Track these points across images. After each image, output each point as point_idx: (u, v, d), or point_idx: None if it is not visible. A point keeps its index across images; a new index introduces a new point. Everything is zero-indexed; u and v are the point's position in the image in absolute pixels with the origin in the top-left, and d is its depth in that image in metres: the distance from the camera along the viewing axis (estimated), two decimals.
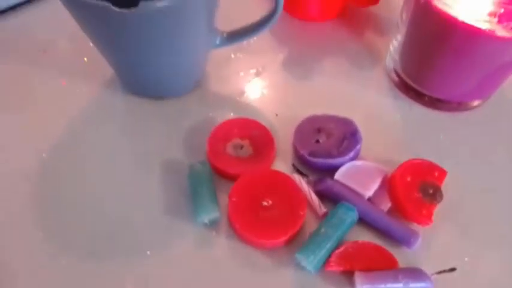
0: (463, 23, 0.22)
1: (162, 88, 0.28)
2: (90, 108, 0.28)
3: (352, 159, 0.24)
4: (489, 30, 0.22)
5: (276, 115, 0.28)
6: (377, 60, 0.31)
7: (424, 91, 0.28)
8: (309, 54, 0.31)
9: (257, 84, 0.30)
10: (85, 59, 0.30)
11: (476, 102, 0.28)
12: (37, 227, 0.23)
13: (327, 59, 0.31)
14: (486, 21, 0.22)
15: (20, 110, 0.28)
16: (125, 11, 0.20)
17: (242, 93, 0.29)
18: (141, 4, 0.20)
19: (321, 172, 0.24)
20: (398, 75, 0.29)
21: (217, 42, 0.27)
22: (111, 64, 0.27)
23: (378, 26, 0.33)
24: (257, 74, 0.30)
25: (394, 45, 0.29)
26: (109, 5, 0.20)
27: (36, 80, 0.29)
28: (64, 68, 0.30)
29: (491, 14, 0.21)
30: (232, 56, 0.31)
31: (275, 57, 0.31)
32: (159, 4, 0.20)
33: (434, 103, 0.28)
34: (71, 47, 0.31)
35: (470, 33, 0.22)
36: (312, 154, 0.24)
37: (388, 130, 0.27)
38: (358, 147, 0.24)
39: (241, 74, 0.30)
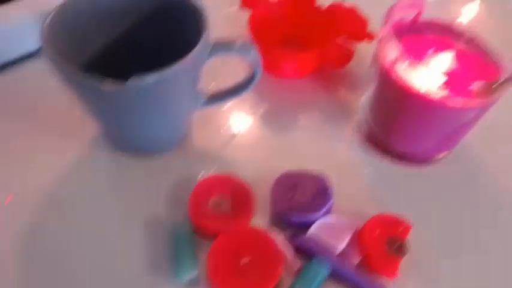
0: (418, 92, 0.25)
1: (147, 147, 0.30)
2: (76, 166, 0.30)
3: (325, 214, 0.26)
4: (441, 99, 0.24)
5: (255, 170, 0.30)
6: (349, 115, 0.33)
7: (392, 146, 0.30)
8: (286, 110, 0.33)
9: (238, 140, 0.32)
10: (72, 116, 0.32)
11: (441, 155, 0.30)
12: (19, 283, 0.24)
13: (303, 115, 0.33)
14: (438, 92, 0.24)
15: (7, 165, 0.29)
16: (112, 87, 0.22)
17: (223, 148, 0.31)
18: (131, 80, 0.22)
19: (296, 227, 0.26)
20: (368, 131, 0.31)
21: (201, 104, 0.29)
22: (98, 125, 0.29)
23: (350, 81, 0.35)
24: (237, 130, 0.32)
25: (363, 101, 0.31)
26: (99, 81, 0.22)
27: (23, 136, 0.31)
28: (51, 125, 0.31)
29: (443, 87, 0.24)
30: (214, 112, 0.33)
31: (254, 113, 0.33)
32: (148, 79, 0.22)
33: (402, 157, 0.30)
34: (58, 105, 0.32)
35: (425, 101, 0.25)
36: (288, 210, 0.26)
37: (359, 183, 0.29)
38: (330, 202, 0.26)
39: (222, 129, 0.32)
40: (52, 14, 0.24)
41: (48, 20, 0.24)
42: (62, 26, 0.25)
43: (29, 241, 0.26)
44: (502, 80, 0.23)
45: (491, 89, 0.24)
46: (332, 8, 0.36)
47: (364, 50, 0.35)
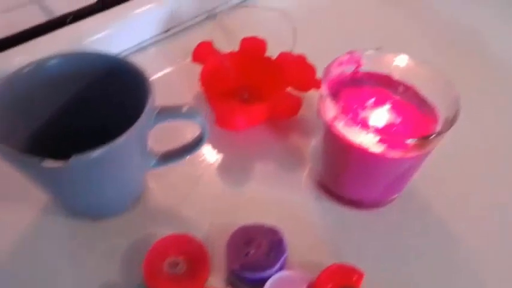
0: (358, 146, 0.26)
1: (100, 211, 0.30)
2: (27, 232, 0.29)
3: (280, 269, 0.27)
4: (380, 152, 0.26)
5: (211, 224, 0.30)
6: (302, 163, 0.34)
7: (341, 193, 0.31)
8: (240, 162, 0.34)
9: (193, 196, 0.32)
10: (23, 182, 0.31)
11: (391, 198, 0.31)
12: None
13: (257, 165, 0.34)
14: (377, 145, 0.25)
15: None
16: (55, 165, 0.22)
17: (178, 205, 0.31)
18: (73, 157, 0.22)
19: (251, 284, 0.26)
20: (319, 178, 0.32)
21: (152, 164, 0.29)
22: (47, 193, 0.29)
23: (302, 129, 0.36)
24: (192, 186, 0.32)
25: (312, 149, 0.32)
26: (39, 160, 0.22)
27: None
28: (1, 190, 0.31)
29: (381, 139, 0.25)
30: (168, 169, 0.33)
31: (209, 167, 0.34)
32: (92, 155, 0.22)
33: (353, 204, 0.31)
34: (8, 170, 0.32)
35: (365, 155, 0.26)
36: (243, 267, 0.26)
37: (313, 232, 0.30)
38: (283, 257, 0.27)
39: (177, 187, 0.32)
40: None
41: None
42: (3, 105, 0.25)
43: None
44: (434, 134, 0.25)
45: (425, 142, 0.25)
46: (281, 58, 0.38)
47: (314, 96, 0.37)
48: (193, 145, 0.29)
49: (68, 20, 0.38)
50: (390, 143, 0.25)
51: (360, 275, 0.26)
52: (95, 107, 0.29)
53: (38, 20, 0.38)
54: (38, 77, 0.27)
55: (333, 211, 0.31)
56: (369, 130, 0.25)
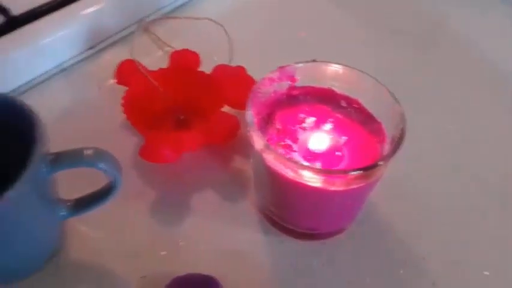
0: (294, 180, 0.22)
1: (9, 273, 0.25)
2: None
3: None
4: (320, 186, 0.22)
5: (143, 277, 0.26)
6: (245, 191, 0.30)
7: (288, 226, 0.27)
8: (174, 197, 0.30)
9: (120, 244, 0.28)
10: None
11: (345, 226, 0.28)
12: None
13: (196, 198, 0.30)
14: (317, 180, 0.22)
15: None
16: None
17: (102, 256, 0.27)
18: None
19: None
20: (263, 210, 0.28)
21: (63, 214, 0.25)
22: None
23: (243, 151, 0.32)
24: (119, 232, 0.28)
25: (253, 178, 0.29)
26: None
27: None
28: None
29: (322, 170, 0.21)
30: (91, 214, 0.29)
31: (138, 207, 0.29)
32: None
33: (303, 235, 0.27)
34: None
35: (303, 189, 0.22)
36: None
37: (260, 269, 0.26)
38: None
39: (101, 234, 0.28)
40: None
41: None
42: None
43: None
44: (378, 163, 0.21)
45: (370, 173, 0.22)
46: (217, 72, 0.34)
47: None
48: (103, 193, 0.24)
49: None
50: (330, 177, 0.22)
51: None
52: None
53: None
54: None
55: (282, 245, 0.27)
56: (302, 167, 0.21)
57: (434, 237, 0.28)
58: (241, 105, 0.32)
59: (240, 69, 0.34)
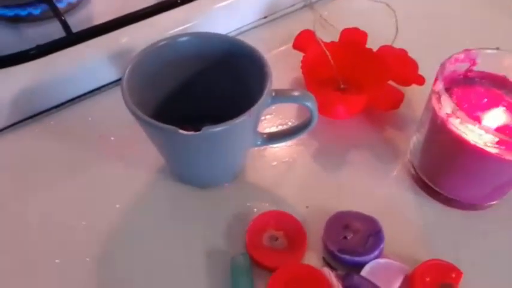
0: (474, 145, 0.26)
1: (208, 180, 0.32)
2: (141, 194, 0.32)
3: (377, 257, 0.27)
4: (496, 153, 0.25)
5: (307, 207, 0.31)
6: (398, 156, 0.34)
7: (440, 190, 0.31)
8: (336, 149, 0.35)
9: (289, 176, 0.33)
10: (138, 146, 0.34)
11: (490, 203, 0.31)
12: None
13: (353, 154, 0.35)
14: (495, 147, 0.25)
15: (77, 192, 0.32)
16: (190, 134, 0.24)
17: (276, 183, 0.33)
18: (204, 129, 0.24)
19: (347, 267, 0.27)
20: (416, 172, 0.32)
21: (259, 142, 0.31)
22: (164, 158, 0.31)
23: (399, 123, 0.36)
24: (289, 166, 0.34)
25: (413, 144, 0.32)
26: (177, 129, 0.24)
27: (93, 164, 0.33)
28: (119, 153, 0.34)
29: (500, 143, 0.25)
30: (268, 150, 0.35)
31: (305, 151, 0.35)
32: (219, 128, 0.24)
33: (450, 202, 0.31)
34: (126, 135, 0.35)
35: (480, 155, 0.26)
36: (340, 250, 0.27)
37: (408, 226, 0.30)
38: (381, 245, 0.27)
39: (275, 167, 0.34)
40: (129, 67, 0.27)
41: (126, 73, 0.27)
42: (137, 76, 0.27)
43: (96, 266, 0.28)
44: None
45: None
46: (382, 51, 0.38)
47: (413, 92, 0.37)
48: (301, 128, 0.30)
49: (179, 1, 0.41)
50: (508, 145, 0.25)
51: (459, 273, 0.26)
52: (215, 81, 0.31)
53: (148, 2, 0.41)
54: (168, 52, 0.29)
55: (429, 207, 0.31)
56: (489, 130, 0.25)
57: None
58: (403, 82, 0.36)
59: (403, 51, 0.38)
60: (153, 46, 0.29)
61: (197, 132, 0.24)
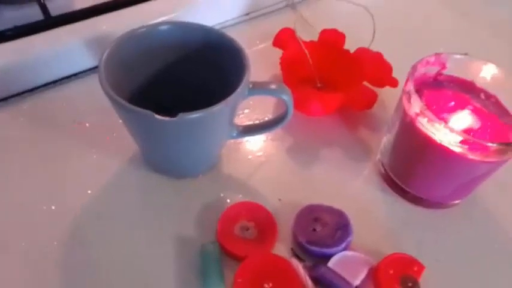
0: (440, 144, 0.27)
1: (182, 170, 0.32)
2: (113, 181, 0.32)
3: (344, 249, 0.28)
4: (460, 153, 0.26)
5: (279, 200, 0.32)
6: (368, 154, 0.35)
7: (407, 189, 0.32)
8: (310, 145, 0.36)
9: (263, 170, 0.34)
10: (113, 134, 0.34)
11: (455, 202, 0.32)
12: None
13: (326, 151, 0.35)
14: (459, 146, 0.26)
15: (47, 175, 0.32)
16: (166, 119, 0.24)
17: (250, 176, 0.33)
18: (180, 115, 0.24)
19: (315, 258, 0.28)
20: (385, 171, 0.33)
21: (234, 134, 0.32)
22: (139, 146, 0.31)
23: (371, 123, 0.37)
24: (264, 160, 0.34)
25: (383, 144, 0.34)
26: (152, 113, 0.24)
27: (67, 150, 0.33)
28: (93, 140, 0.34)
29: (463, 142, 0.26)
30: (243, 143, 0.35)
31: (280, 146, 0.35)
32: (195, 115, 0.25)
33: (417, 200, 0.32)
34: (101, 121, 0.35)
35: (445, 153, 0.27)
36: (309, 242, 0.28)
37: (376, 222, 0.31)
38: (349, 238, 0.28)
39: (249, 160, 0.34)
40: (107, 50, 0.27)
41: (104, 56, 0.27)
42: (115, 61, 0.27)
43: (64, 250, 0.28)
44: None
45: (508, 149, 0.26)
46: (359, 53, 0.39)
47: (386, 94, 0.38)
48: (276, 121, 0.31)
49: None
50: (472, 145, 0.26)
51: (421, 267, 0.27)
52: (193, 72, 0.31)
53: None
54: (147, 39, 0.29)
55: (397, 205, 0.32)
56: (453, 130, 0.26)
57: None
58: (377, 84, 0.38)
59: (379, 54, 0.39)
60: (133, 32, 0.29)
61: (173, 118, 0.24)
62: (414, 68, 0.29)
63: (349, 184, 0.33)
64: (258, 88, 0.28)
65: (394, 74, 0.37)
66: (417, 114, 0.28)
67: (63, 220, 0.29)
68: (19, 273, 0.27)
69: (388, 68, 0.38)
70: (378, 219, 0.31)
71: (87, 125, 0.35)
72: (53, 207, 0.30)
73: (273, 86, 0.29)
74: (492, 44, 0.46)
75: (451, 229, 0.31)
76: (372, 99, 0.36)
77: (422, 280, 0.27)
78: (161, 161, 0.31)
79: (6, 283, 0.26)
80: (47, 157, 0.33)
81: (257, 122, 0.36)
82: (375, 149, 0.35)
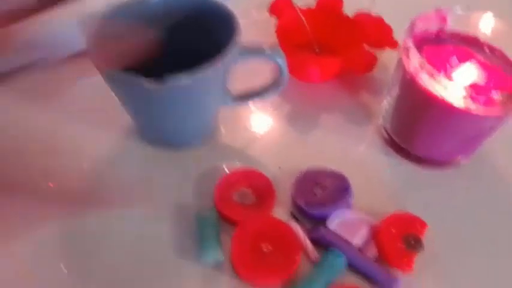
0: (442, 100, 0.26)
1: (177, 141, 0.32)
2: (109, 154, 0.32)
3: (344, 211, 0.28)
4: (464, 107, 0.25)
5: (279, 168, 0.31)
6: (370, 119, 0.34)
7: (410, 150, 0.31)
8: (309, 111, 0.35)
9: (263, 138, 0.33)
10: (109, 109, 0.34)
11: (458, 160, 0.31)
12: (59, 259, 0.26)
13: (327, 117, 0.35)
14: (462, 100, 0.25)
15: (47, 153, 0.31)
16: (152, 86, 0.24)
17: (249, 145, 0.33)
18: (168, 80, 0.24)
19: (315, 221, 0.27)
20: (388, 134, 0.32)
21: (229, 101, 0.31)
22: (132, 118, 0.31)
23: (372, 87, 0.36)
24: (262, 128, 0.34)
25: (385, 106, 0.33)
26: (141, 80, 0.24)
27: (64, 126, 0.33)
28: (90, 116, 0.34)
29: (466, 96, 0.25)
30: (240, 111, 0.34)
31: (279, 114, 0.35)
32: (183, 81, 0.24)
33: (420, 161, 0.31)
34: (97, 98, 0.34)
35: (448, 108, 0.26)
36: (308, 204, 0.28)
37: (378, 183, 0.30)
38: (349, 200, 0.28)
39: (247, 128, 0.34)
40: (97, 21, 0.27)
41: (93, 28, 0.26)
42: (105, 31, 0.27)
43: (67, 223, 0.28)
44: None
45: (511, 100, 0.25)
46: (358, 17, 0.38)
47: (386, 57, 0.37)
48: (270, 89, 0.30)
49: None
50: (475, 97, 0.25)
51: (423, 225, 0.27)
52: (185, 40, 0.30)
53: None
54: (136, 9, 0.29)
55: (399, 166, 0.31)
56: (455, 82, 0.25)
57: None
58: (377, 45, 0.37)
59: (379, 19, 0.38)
60: (123, 2, 0.28)
61: (162, 82, 0.24)
62: (413, 23, 0.28)
63: (352, 149, 0.33)
64: (251, 50, 0.28)
65: (395, 37, 0.36)
66: (417, 70, 0.27)
67: (62, 196, 0.29)
68: (18, 245, 0.27)
69: (388, 30, 0.37)
70: (381, 182, 0.31)
71: (79, 103, 0.35)
72: (51, 185, 0.30)
73: (266, 48, 0.28)
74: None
75: (457, 189, 0.30)
76: (371, 62, 0.35)
77: (426, 240, 0.26)
78: (156, 132, 0.31)
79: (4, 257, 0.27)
80: (41, 132, 0.33)
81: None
82: (376, 113, 0.34)
